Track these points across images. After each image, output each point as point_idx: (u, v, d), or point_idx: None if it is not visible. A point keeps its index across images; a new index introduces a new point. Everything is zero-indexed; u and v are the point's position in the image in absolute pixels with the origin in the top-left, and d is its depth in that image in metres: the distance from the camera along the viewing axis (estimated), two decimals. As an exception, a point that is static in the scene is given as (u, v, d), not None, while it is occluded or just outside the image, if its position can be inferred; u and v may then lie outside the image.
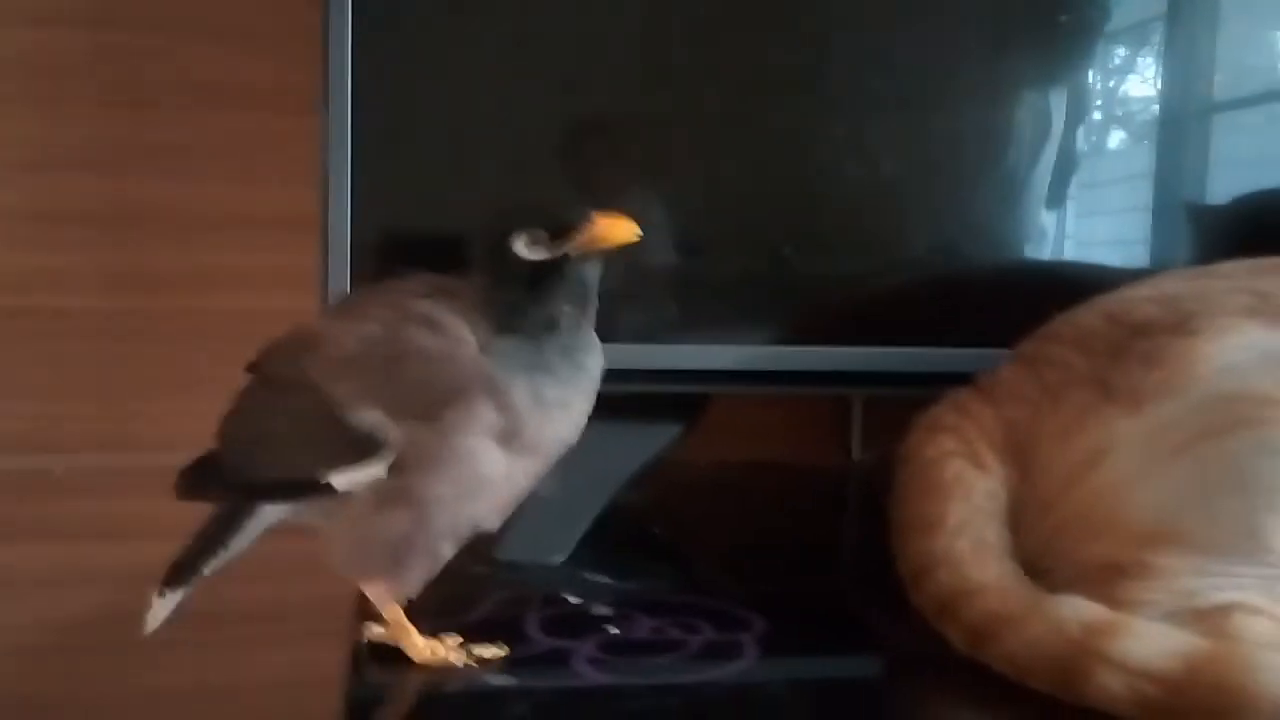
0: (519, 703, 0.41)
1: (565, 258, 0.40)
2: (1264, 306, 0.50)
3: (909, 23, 0.76)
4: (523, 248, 0.40)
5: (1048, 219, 0.86)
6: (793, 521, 0.73)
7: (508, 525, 0.59)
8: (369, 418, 0.39)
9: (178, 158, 0.73)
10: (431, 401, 0.39)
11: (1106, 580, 0.44)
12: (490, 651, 0.44)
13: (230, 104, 0.71)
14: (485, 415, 0.39)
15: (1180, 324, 0.50)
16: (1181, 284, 0.55)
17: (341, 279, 0.60)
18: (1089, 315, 0.54)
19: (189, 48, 0.72)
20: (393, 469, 0.39)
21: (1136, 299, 0.54)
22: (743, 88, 0.72)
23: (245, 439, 0.42)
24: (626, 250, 0.42)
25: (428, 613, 0.45)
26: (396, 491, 0.39)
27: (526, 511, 0.60)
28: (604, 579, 0.56)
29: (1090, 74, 0.86)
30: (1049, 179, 0.84)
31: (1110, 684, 0.40)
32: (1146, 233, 0.88)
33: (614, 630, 0.48)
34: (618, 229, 0.39)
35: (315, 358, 0.40)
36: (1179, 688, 0.39)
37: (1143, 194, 0.91)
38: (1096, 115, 0.87)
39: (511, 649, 0.45)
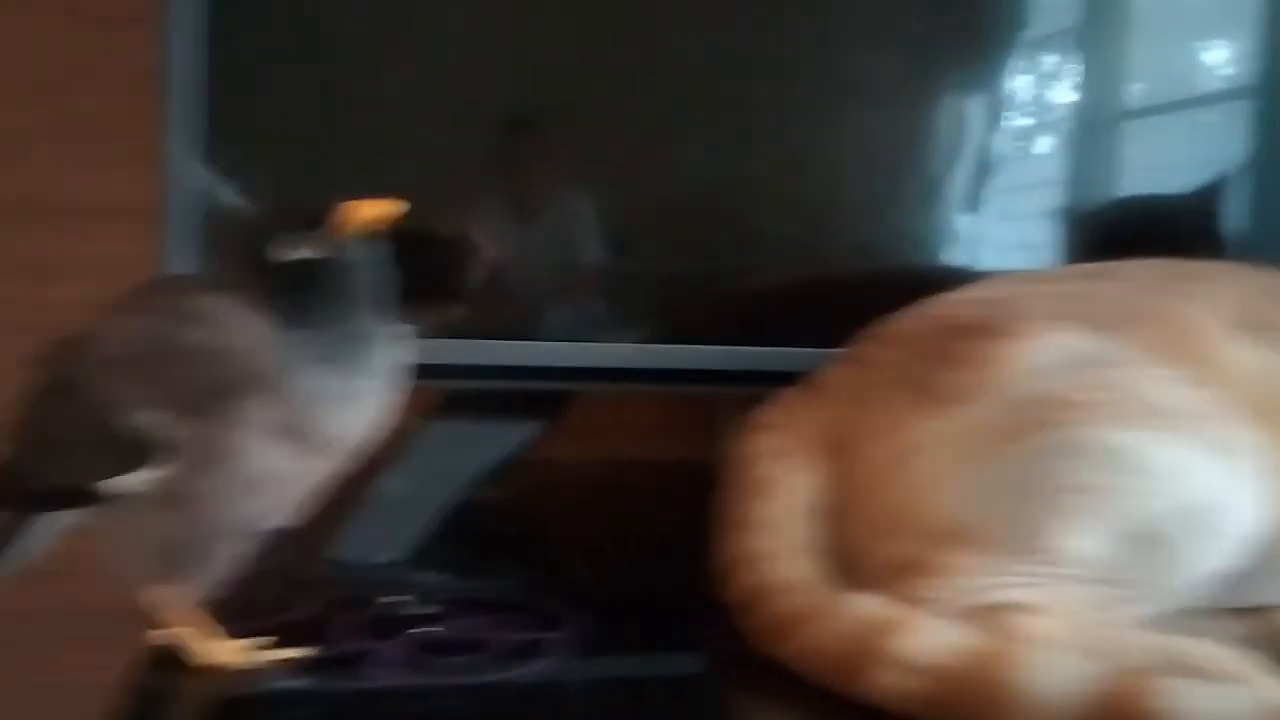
0: (300, 706, 0.41)
1: (327, 250, 0.39)
2: (1078, 310, 0.51)
3: (831, 29, 0.77)
4: (286, 247, 0.39)
5: (961, 222, 0.89)
6: (650, 519, 0.73)
7: (342, 524, 0.60)
8: (142, 418, 0.38)
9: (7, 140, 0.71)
10: (205, 397, 0.38)
11: (901, 578, 0.45)
12: (290, 653, 0.44)
13: (65, 87, 0.70)
14: (261, 410, 0.38)
15: (994, 327, 0.51)
16: (1007, 287, 0.56)
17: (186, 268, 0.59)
18: (915, 317, 0.55)
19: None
20: (168, 469, 0.39)
21: (960, 301, 0.55)
22: (662, 88, 0.74)
23: (27, 443, 0.41)
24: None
25: (241, 614, 0.45)
26: (175, 489, 0.39)
27: (363, 510, 0.61)
28: (436, 578, 0.56)
29: (1003, 81, 0.87)
30: (963, 183, 0.86)
31: (884, 680, 0.41)
32: (1054, 237, 0.91)
33: (425, 630, 0.48)
34: (364, 210, 0.39)
35: (88, 357, 0.39)
36: (948, 684, 0.40)
37: (1054, 199, 0.94)
38: (1011, 121, 0.90)
39: (316, 650, 0.45)
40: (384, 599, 0.51)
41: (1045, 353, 0.49)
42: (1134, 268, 0.56)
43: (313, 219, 0.39)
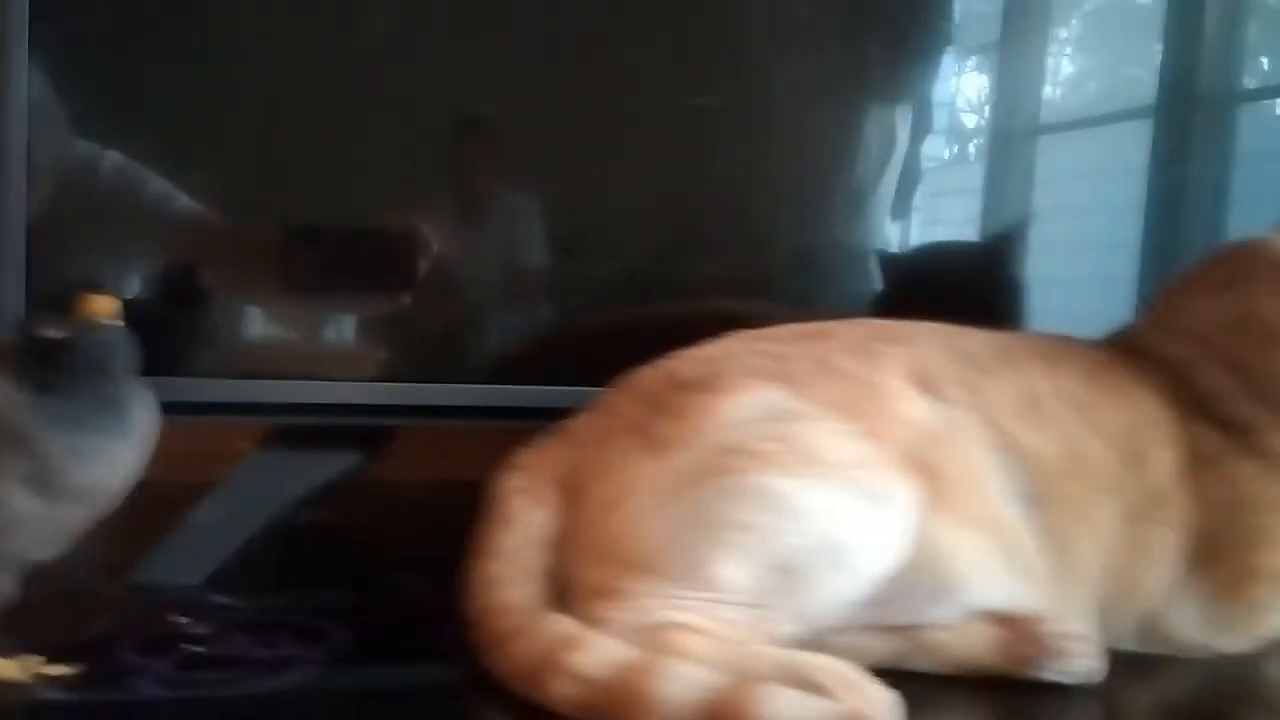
0: (59, 707, 0.48)
1: (72, 331, 0.47)
2: (778, 369, 0.60)
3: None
4: (41, 324, 0.47)
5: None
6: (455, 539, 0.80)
7: (149, 547, 0.67)
8: (-87, 472, 0.45)
9: None
10: None
11: (593, 600, 0.53)
12: (60, 669, 0.51)
13: None
14: (15, 465, 0.45)
15: (708, 382, 0.60)
16: (732, 344, 0.64)
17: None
18: (652, 369, 0.63)
19: None
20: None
21: (689, 357, 0.63)
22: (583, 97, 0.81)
23: None
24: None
25: (30, 633, 0.52)
26: (-58, 534, 0.46)
27: (169, 535, 0.68)
28: (229, 600, 0.63)
29: (927, 93, 0.98)
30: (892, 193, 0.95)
31: (559, 689, 0.49)
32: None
33: (196, 649, 0.55)
34: (97, 305, 0.47)
35: None
36: (603, 692, 0.48)
37: (974, 209, 1.03)
38: (937, 133, 0.98)
39: (88, 667, 0.52)
40: (168, 619, 0.58)
41: (744, 407, 0.58)
42: (845, 328, 0.65)
43: (65, 304, 0.47)
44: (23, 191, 0.66)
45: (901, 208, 0.98)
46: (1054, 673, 0.56)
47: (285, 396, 0.76)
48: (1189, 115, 1.10)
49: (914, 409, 0.59)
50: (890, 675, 0.54)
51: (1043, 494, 0.59)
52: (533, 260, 0.85)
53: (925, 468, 0.57)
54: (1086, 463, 0.60)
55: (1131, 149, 1.08)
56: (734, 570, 0.52)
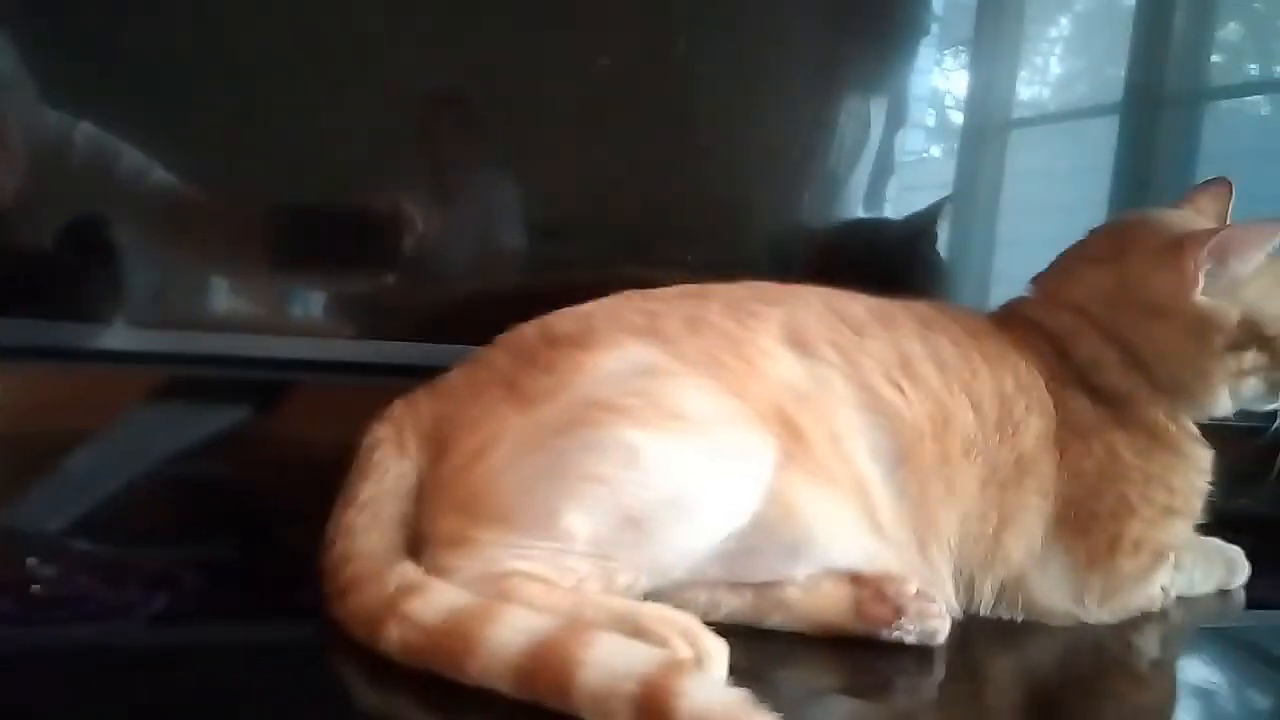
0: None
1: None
2: (650, 326, 0.60)
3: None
4: None
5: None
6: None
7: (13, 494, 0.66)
8: None
9: None
10: None
11: (441, 550, 0.53)
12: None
13: None
14: None
15: (581, 338, 0.59)
16: (613, 303, 0.64)
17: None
18: (530, 326, 0.63)
19: None
20: None
21: (567, 314, 0.63)
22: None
23: None
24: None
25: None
26: None
27: (38, 482, 0.67)
28: (84, 546, 0.62)
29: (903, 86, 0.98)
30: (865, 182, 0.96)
31: (395, 635, 0.49)
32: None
33: (34, 589, 0.54)
34: None
35: None
36: (435, 636, 0.48)
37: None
38: (909, 126, 0.99)
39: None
40: (21, 560, 0.58)
41: (613, 362, 0.58)
42: (729, 289, 0.65)
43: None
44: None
45: (874, 199, 0.99)
46: (903, 633, 0.56)
47: (175, 347, 0.75)
48: (1156, 114, 1.11)
49: (782, 367, 0.59)
50: (744, 633, 0.54)
51: (906, 455, 0.59)
52: (509, 241, 0.85)
53: (788, 425, 0.57)
54: (953, 427, 0.61)
55: (1098, 146, 1.09)
56: (582, 521, 0.52)
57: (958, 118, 1.05)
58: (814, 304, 0.64)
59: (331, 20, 0.77)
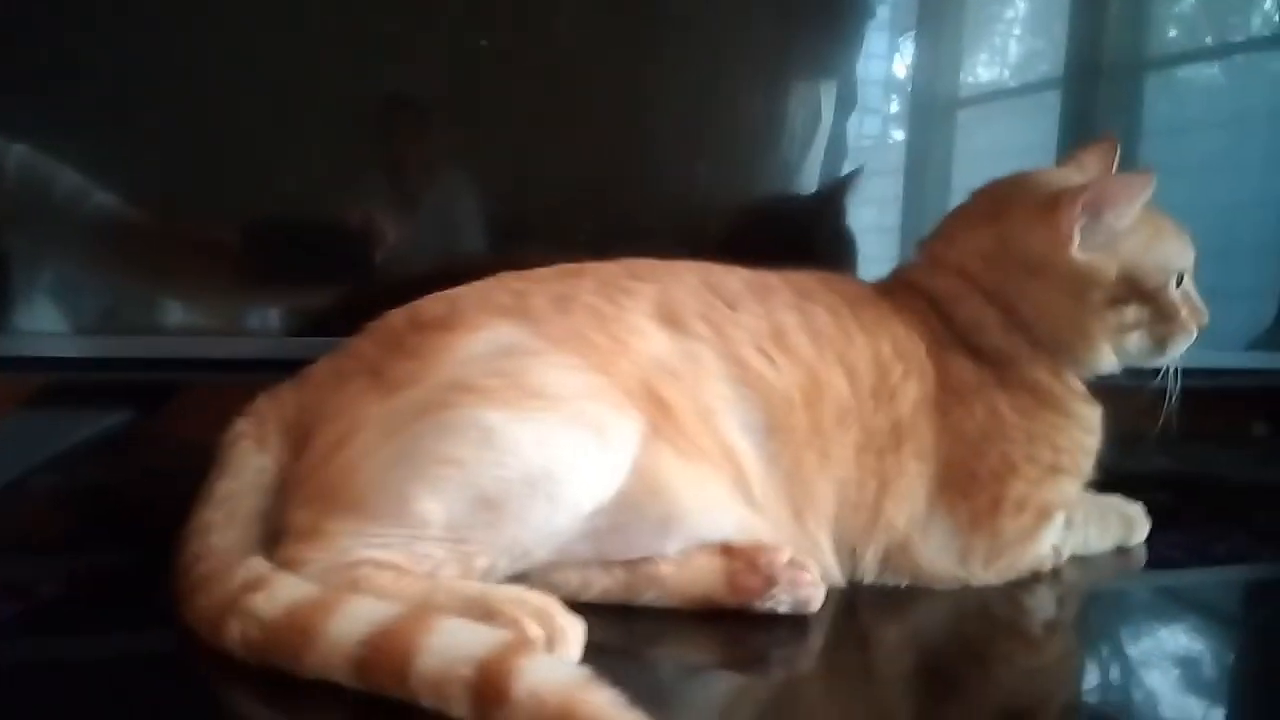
0: None
1: None
2: (518, 305, 0.59)
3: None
4: None
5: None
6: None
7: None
8: None
9: None
10: None
11: (294, 543, 0.51)
12: None
13: None
14: None
15: (446, 321, 0.58)
16: (483, 284, 0.62)
17: None
18: (398, 312, 0.61)
19: None
20: None
21: (435, 297, 0.61)
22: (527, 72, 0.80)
23: None
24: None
25: None
26: None
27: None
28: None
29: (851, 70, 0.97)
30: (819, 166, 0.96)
31: (236, 631, 0.47)
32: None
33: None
34: None
35: None
36: (274, 629, 0.46)
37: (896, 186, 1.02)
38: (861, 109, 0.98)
39: None
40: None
41: (477, 344, 0.56)
42: (604, 267, 0.64)
43: None
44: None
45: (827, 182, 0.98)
46: (776, 603, 0.55)
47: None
48: (1095, 86, 1.11)
49: (651, 343, 0.58)
50: (618, 611, 0.53)
51: (777, 426, 0.58)
52: (470, 243, 0.84)
53: (656, 401, 0.56)
54: (826, 396, 0.60)
55: (1042, 122, 1.09)
56: (435, 505, 0.51)
57: (905, 99, 1.05)
58: (689, 280, 0.63)
59: (282, 29, 0.75)
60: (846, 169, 1.00)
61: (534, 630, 0.46)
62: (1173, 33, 1.19)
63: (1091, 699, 0.56)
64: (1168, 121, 1.13)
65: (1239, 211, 1.11)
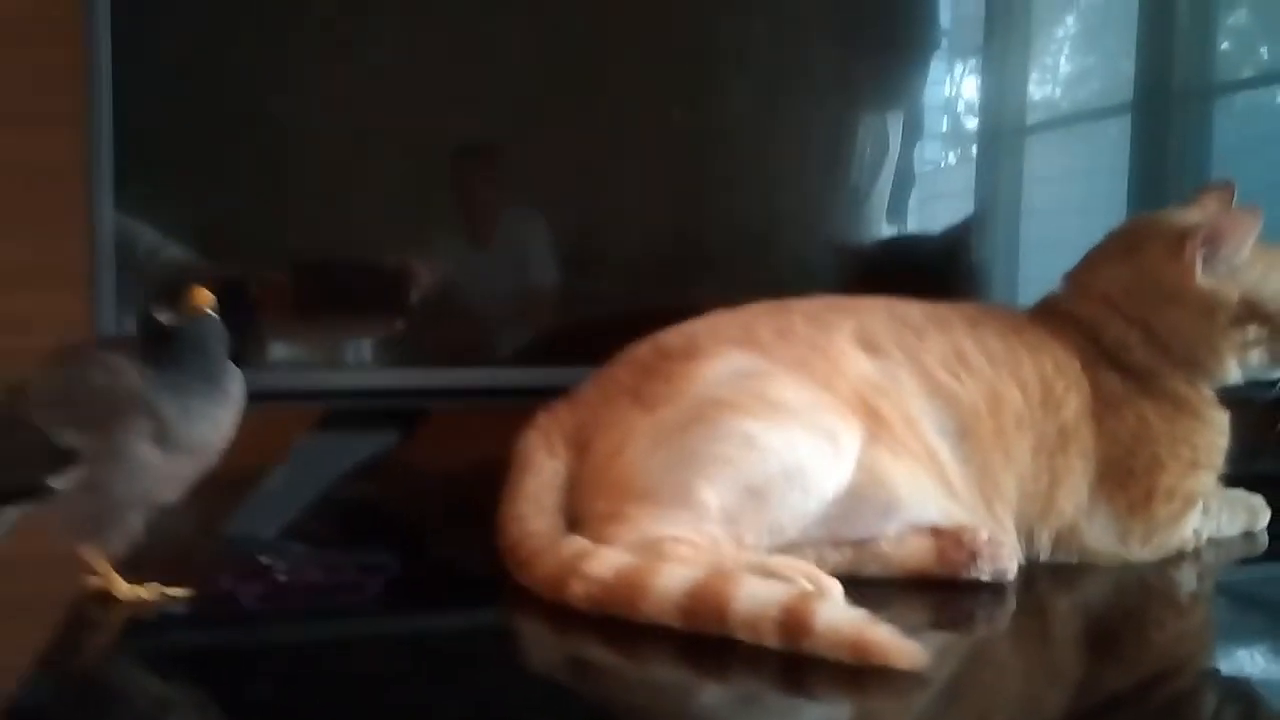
0: (185, 616, 0.62)
1: (179, 318, 0.60)
2: (746, 337, 0.73)
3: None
4: (158, 313, 0.60)
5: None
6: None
7: (235, 509, 0.79)
8: (66, 436, 0.58)
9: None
10: (103, 418, 0.58)
11: (600, 525, 0.66)
12: (178, 591, 0.64)
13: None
14: (141, 424, 0.58)
15: (689, 350, 0.72)
16: (712, 320, 0.77)
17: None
18: (644, 344, 0.76)
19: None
20: (85, 468, 0.59)
21: (675, 331, 0.76)
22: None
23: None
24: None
25: (154, 567, 0.65)
26: (89, 482, 0.59)
27: (249, 500, 0.81)
28: (300, 547, 0.76)
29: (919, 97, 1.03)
30: (887, 195, 1.02)
31: (577, 589, 0.61)
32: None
33: (280, 579, 0.68)
34: (200, 298, 0.59)
35: (24, 397, 0.60)
36: (611, 587, 0.60)
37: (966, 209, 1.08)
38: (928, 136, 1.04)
39: (198, 590, 0.64)
40: (255, 558, 0.71)
41: (720, 368, 0.71)
42: (805, 303, 0.78)
43: (173, 294, 0.60)
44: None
45: (896, 212, 1.06)
46: (978, 573, 0.68)
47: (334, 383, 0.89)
48: (1166, 111, 1.16)
49: (859, 365, 0.72)
50: (846, 582, 0.66)
51: (967, 431, 0.72)
52: (543, 279, 0.93)
53: (869, 411, 0.70)
54: (1004, 406, 0.73)
55: (1113, 147, 1.14)
56: (713, 494, 0.65)
57: (973, 126, 1.08)
58: (878, 312, 0.76)
59: (354, 78, 0.84)
60: (916, 197, 1.05)
61: (809, 587, 0.60)
62: (1226, 48, 1.21)
63: (1227, 658, 0.68)
64: (1238, 142, 1.17)
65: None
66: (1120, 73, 1.15)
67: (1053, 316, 0.80)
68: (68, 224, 0.81)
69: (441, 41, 0.88)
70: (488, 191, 0.92)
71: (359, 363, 0.91)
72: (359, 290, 0.89)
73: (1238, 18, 1.22)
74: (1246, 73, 1.24)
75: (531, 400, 0.76)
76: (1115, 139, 1.14)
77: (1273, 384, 0.81)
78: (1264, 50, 1.23)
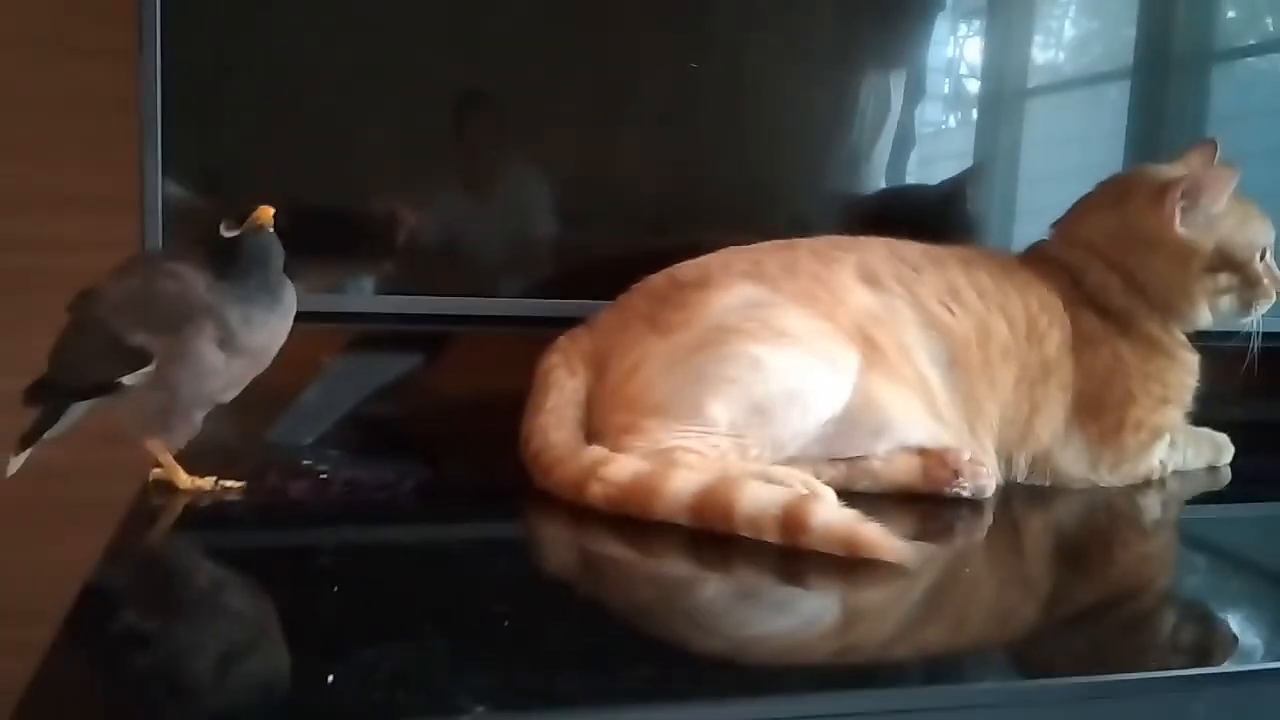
0: (239, 506, 0.68)
1: (243, 232, 0.65)
2: (755, 270, 0.79)
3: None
4: (223, 228, 0.65)
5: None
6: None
7: (275, 420, 0.86)
8: (138, 337, 0.64)
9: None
10: (174, 322, 0.64)
11: (618, 436, 0.72)
12: (234, 484, 0.70)
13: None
14: (207, 329, 0.64)
15: (703, 281, 0.78)
16: (724, 255, 0.82)
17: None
18: (660, 275, 0.81)
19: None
20: (154, 367, 0.65)
21: (689, 265, 0.81)
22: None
23: (64, 360, 0.67)
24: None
25: (207, 466, 0.71)
26: (158, 380, 0.65)
27: (287, 411, 0.87)
28: (335, 452, 0.82)
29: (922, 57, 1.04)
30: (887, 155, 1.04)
31: (596, 490, 0.68)
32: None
33: (322, 476, 0.74)
34: (261, 215, 0.64)
35: (100, 302, 0.65)
36: (628, 489, 0.67)
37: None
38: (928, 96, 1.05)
39: (251, 484, 0.71)
40: (298, 459, 0.77)
41: (731, 298, 0.76)
42: (810, 241, 0.83)
43: (240, 214, 0.65)
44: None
45: (895, 171, 1.08)
46: (959, 490, 0.75)
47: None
48: (1165, 76, 1.19)
49: (859, 297, 0.78)
50: (840, 495, 0.72)
51: (957, 361, 0.78)
52: (547, 228, 0.96)
53: (867, 340, 0.76)
54: (992, 338, 0.79)
55: (1113, 111, 1.15)
56: (722, 410, 0.71)
57: (974, 88, 1.09)
58: (879, 249, 0.82)
59: (354, 28, 0.87)
60: (917, 156, 1.07)
61: (806, 491, 0.66)
62: (1233, 16, 1.21)
63: (1185, 577, 0.74)
64: (1235, 109, 1.19)
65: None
66: (1121, 38, 1.17)
67: (1041, 260, 0.86)
68: (119, 152, 0.85)
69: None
70: (496, 139, 0.95)
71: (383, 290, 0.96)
72: (349, 233, 0.93)
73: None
74: (1250, 40, 1.25)
75: (545, 330, 0.81)
76: (1114, 103, 1.16)
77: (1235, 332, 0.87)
78: (1269, 20, 1.24)
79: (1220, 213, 0.82)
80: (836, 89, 1.02)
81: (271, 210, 0.64)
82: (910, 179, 1.11)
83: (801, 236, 0.82)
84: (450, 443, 0.95)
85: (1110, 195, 0.86)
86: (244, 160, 0.88)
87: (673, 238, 0.95)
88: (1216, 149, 0.90)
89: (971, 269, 0.82)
